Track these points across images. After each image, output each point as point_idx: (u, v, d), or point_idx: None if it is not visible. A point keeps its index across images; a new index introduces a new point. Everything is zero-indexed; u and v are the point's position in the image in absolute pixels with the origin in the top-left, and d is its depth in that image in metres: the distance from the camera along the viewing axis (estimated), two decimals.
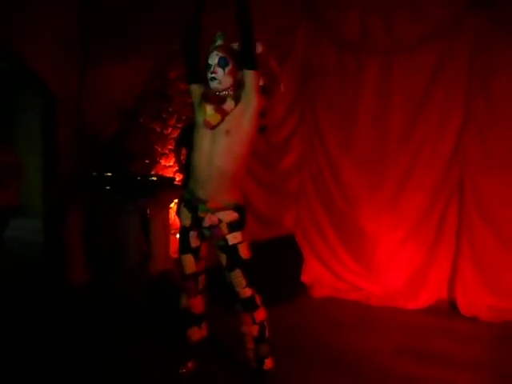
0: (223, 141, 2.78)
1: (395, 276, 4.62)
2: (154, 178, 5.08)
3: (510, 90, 4.24)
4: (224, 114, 2.77)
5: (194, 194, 2.92)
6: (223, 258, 2.92)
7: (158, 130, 5.78)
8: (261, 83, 2.90)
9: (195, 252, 3.00)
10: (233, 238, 2.86)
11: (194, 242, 2.99)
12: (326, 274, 4.88)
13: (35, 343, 3.63)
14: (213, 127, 2.79)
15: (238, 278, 2.89)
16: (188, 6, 4.89)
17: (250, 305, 2.93)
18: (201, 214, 2.90)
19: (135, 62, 5.35)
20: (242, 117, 2.77)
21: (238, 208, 2.89)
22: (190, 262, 3.00)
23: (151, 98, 5.70)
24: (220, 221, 2.86)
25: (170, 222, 5.33)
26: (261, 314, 2.96)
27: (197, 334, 3.14)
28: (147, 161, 5.82)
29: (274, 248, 4.46)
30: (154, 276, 4.81)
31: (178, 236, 5.25)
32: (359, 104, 4.66)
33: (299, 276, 4.81)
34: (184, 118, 5.65)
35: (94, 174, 5.04)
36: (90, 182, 4.94)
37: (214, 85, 2.79)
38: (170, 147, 5.78)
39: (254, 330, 2.96)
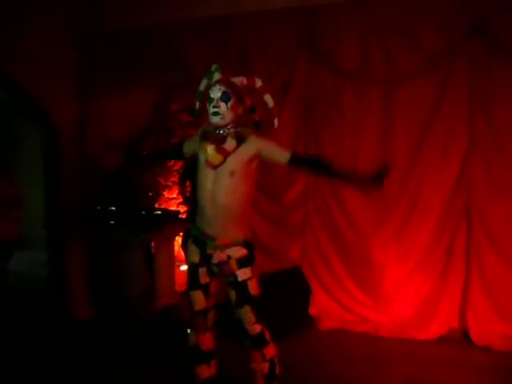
0: (227, 181, 2.77)
1: (404, 307, 4.55)
2: (159, 212, 5.05)
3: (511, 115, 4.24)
4: (226, 154, 2.76)
5: (202, 230, 2.90)
6: (232, 295, 2.89)
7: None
8: (256, 118, 2.92)
9: (205, 288, 2.97)
10: (242, 274, 2.84)
11: (204, 278, 2.96)
12: (334, 306, 4.81)
13: (36, 378, 3.58)
14: (215, 167, 2.78)
15: (247, 314, 2.86)
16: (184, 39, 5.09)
17: (259, 342, 2.89)
18: (209, 251, 2.88)
19: (137, 93, 5.39)
20: (249, 158, 2.77)
21: (246, 244, 2.87)
22: (199, 299, 2.97)
23: (153, 131, 5.73)
24: (229, 257, 2.84)
25: (175, 255, 5.29)
26: (271, 351, 2.92)
27: (206, 371, 3.08)
28: (150, 194, 5.81)
29: (280, 281, 4.41)
30: (159, 311, 4.74)
31: (182, 269, 5.30)
32: (362, 134, 4.67)
33: (307, 308, 4.74)
34: None
35: (98, 207, 5.02)
36: (93, 215, 4.92)
37: (215, 120, 2.78)
38: (173, 179, 5.78)
39: (264, 367, 2.92)
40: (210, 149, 2.79)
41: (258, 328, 2.88)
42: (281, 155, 2.79)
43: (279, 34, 4.80)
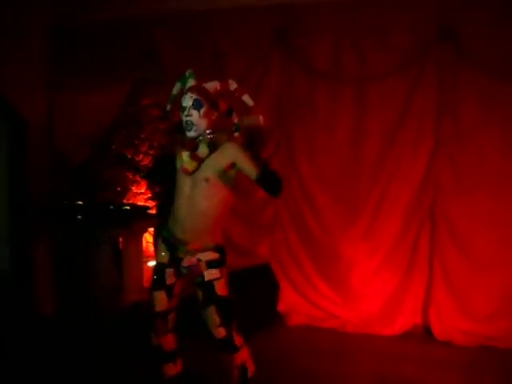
0: (203, 186, 2.77)
1: (371, 303, 4.64)
2: (127, 207, 5.00)
3: (477, 117, 4.37)
4: (199, 161, 2.76)
5: (174, 234, 2.87)
6: (199, 294, 2.86)
7: (130, 156, 5.73)
8: (235, 120, 2.90)
9: (169, 289, 2.92)
10: (209, 274, 2.81)
11: (170, 279, 2.92)
12: (302, 302, 4.86)
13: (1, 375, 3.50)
14: (190, 173, 2.78)
15: (212, 315, 2.80)
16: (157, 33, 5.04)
17: (226, 347, 2.83)
18: (180, 255, 2.86)
19: (108, 87, 5.30)
20: (224, 167, 2.76)
21: (218, 248, 2.85)
22: (162, 299, 2.91)
23: (124, 125, 5.66)
24: (199, 260, 2.82)
25: (143, 250, 5.25)
26: (241, 356, 2.85)
27: (172, 369, 3.04)
28: (119, 188, 5.74)
29: (249, 277, 4.43)
30: (127, 307, 4.70)
31: (150, 264, 5.26)
32: (333, 133, 4.73)
33: (275, 305, 4.79)
34: (156, 144, 5.62)
35: (65, 202, 4.95)
36: (60, 210, 4.84)
37: (189, 134, 2.77)
38: (141, 174, 5.72)
39: (235, 372, 2.86)
40: (185, 155, 2.78)
41: (222, 332, 2.79)
42: (250, 172, 2.77)
43: (253, 32, 4.81)
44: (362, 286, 4.67)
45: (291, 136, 4.87)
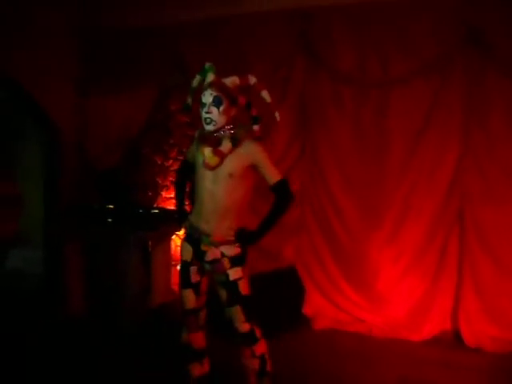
0: (226, 182, 2.81)
1: (397, 307, 4.59)
2: (156, 211, 5.09)
3: (507, 123, 4.28)
4: (223, 156, 2.80)
5: (197, 227, 2.93)
6: (223, 294, 2.92)
7: (159, 162, 5.82)
8: (253, 113, 2.95)
9: (195, 287, 2.99)
10: (234, 274, 2.87)
11: (194, 277, 2.99)
12: (328, 306, 4.84)
13: (33, 376, 3.60)
14: (212, 168, 2.82)
15: (237, 313, 2.89)
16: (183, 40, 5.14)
17: (249, 339, 2.92)
18: (204, 248, 2.91)
19: (136, 93, 5.42)
20: (246, 165, 2.81)
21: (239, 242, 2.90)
22: (190, 298, 3.00)
23: (153, 130, 5.77)
24: (223, 254, 2.87)
25: (171, 253, 5.33)
26: (261, 348, 2.95)
27: (198, 369, 3.11)
28: (150, 193, 5.84)
29: (275, 280, 4.45)
30: (155, 309, 4.78)
31: (178, 268, 5.33)
32: (358, 137, 4.71)
33: (300, 308, 4.78)
34: (184, 150, 5.70)
35: (96, 206, 5.06)
36: (91, 213, 4.95)
37: (208, 128, 2.82)
38: (170, 179, 5.81)
39: (255, 363, 2.95)
40: (207, 151, 2.83)
41: (247, 326, 2.89)
42: (269, 177, 2.85)
43: (276, 37, 4.83)
44: (388, 291, 4.62)
45: (316, 140, 4.87)
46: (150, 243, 5.03)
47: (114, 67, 5.44)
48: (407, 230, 4.58)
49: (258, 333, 2.94)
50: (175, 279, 5.24)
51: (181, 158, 5.72)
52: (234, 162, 2.81)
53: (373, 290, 4.69)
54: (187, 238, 3.02)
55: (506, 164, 4.30)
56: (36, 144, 5.58)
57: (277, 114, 2.94)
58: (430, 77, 4.43)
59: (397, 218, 4.61)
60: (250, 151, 2.83)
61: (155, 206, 5.72)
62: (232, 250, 2.88)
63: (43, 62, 5.04)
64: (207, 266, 2.95)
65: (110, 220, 4.79)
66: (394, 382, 3.59)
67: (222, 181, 2.82)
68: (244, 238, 2.89)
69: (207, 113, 2.79)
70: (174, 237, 5.37)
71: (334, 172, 4.82)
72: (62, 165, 5.42)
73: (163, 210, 5.26)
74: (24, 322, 4.64)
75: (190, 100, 3.01)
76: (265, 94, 2.89)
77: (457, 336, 4.43)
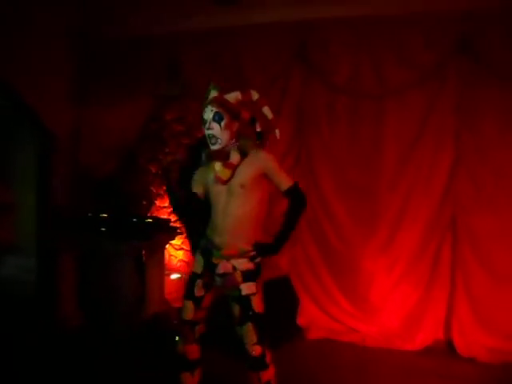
0: (239, 193, 2.80)
1: (391, 317, 4.61)
2: (150, 220, 5.08)
3: (497, 130, 4.35)
4: (233, 168, 2.80)
5: (211, 240, 2.91)
6: (236, 310, 2.85)
7: (154, 171, 5.83)
8: (258, 129, 2.96)
9: (197, 301, 2.96)
10: (246, 288, 2.81)
11: (199, 291, 2.95)
12: (322, 316, 4.85)
13: (26, 381, 3.59)
14: (225, 182, 2.82)
15: (248, 332, 2.80)
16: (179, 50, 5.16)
17: (258, 364, 2.83)
18: (215, 261, 2.88)
19: (132, 103, 5.42)
20: (257, 174, 2.81)
21: (253, 258, 2.86)
22: (189, 309, 2.96)
23: (148, 140, 5.77)
24: (234, 268, 2.83)
25: (165, 263, 5.32)
26: (268, 374, 2.86)
27: (189, 380, 3.08)
28: (144, 202, 5.84)
29: (268, 290, 4.41)
30: (149, 318, 4.76)
31: (172, 277, 5.32)
32: (352, 146, 4.75)
33: (295, 318, 4.78)
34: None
35: (89, 214, 5.05)
36: (84, 222, 4.94)
37: (214, 147, 2.81)
38: (164, 188, 5.81)
39: None
40: (218, 166, 2.83)
41: (258, 350, 2.80)
42: (281, 183, 2.85)
43: (273, 48, 4.88)
44: (381, 300, 4.64)
45: (311, 149, 4.91)
46: (143, 252, 5.02)
47: (111, 76, 5.45)
48: (401, 239, 4.61)
49: (268, 358, 2.85)
50: (169, 289, 5.25)
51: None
52: (244, 172, 2.81)
53: (366, 300, 4.70)
54: (202, 251, 2.99)
55: (498, 170, 4.36)
56: (30, 151, 5.55)
57: (277, 131, 2.95)
58: (423, 86, 4.50)
59: (391, 226, 4.64)
60: (260, 159, 2.83)
61: (149, 215, 5.71)
62: (244, 265, 2.83)
63: (40, 70, 5.03)
64: (218, 280, 2.89)
65: (103, 229, 4.78)
66: None
67: (235, 193, 2.81)
68: (264, 249, 2.85)
69: (209, 129, 2.80)
70: (167, 246, 5.37)
71: (328, 181, 4.85)
72: (56, 172, 5.39)
73: (157, 219, 5.25)
74: (17, 328, 4.61)
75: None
76: (266, 110, 2.90)
77: (450, 345, 4.44)
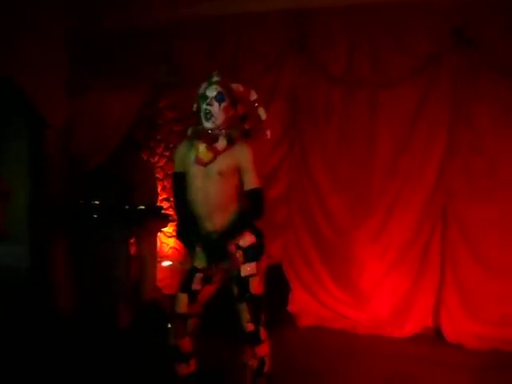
0: (216, 180, 2.82)
1: (381, 304, 4.66)
2: (142, 207, 5.08)
3: (491, 122, 4.38)
4: (216, 153, 2.81)
5: (204, 228, 2.90)
6: (234, 289, 2.91)
7: (146, 158, 5.80)
8: (247, 126, 2.97)
9: (193, 294, 2.95)
10: (246, 270, 2.85)
11: (196, 284, 2.94)
12: (313, 303, 4.90)
13: (20, 371, 3.57)
14: (205, 164, 2.82)
15: (243, 311, 2.87)
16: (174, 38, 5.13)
17: (251, 339, 2.91)
18: (213, 239, 2.85)
19: (126, 91, 5.39)
20: (236, 164, 2.82)
21: (254, 229, 2.89)
22: (183, 302, 2.94)
23: (140, 126, 5.74)
24: (237, 247, 2.85)
25: (157, 250, 5.33)
26: (263, 350, 2.93)
27: (184, 369, 3.09)
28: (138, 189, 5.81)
29: None
30: (142, 305, 4.78)
31: (163, 264, 5.33)
32: (346, 136, 4.77)
33: (285, 305, 4.82)
34: (171, 146, 5.69)
35: (81, 201, 5.04)
36: (77, 209, 4.93)
37: (207, 125, 2.83)
38: (156, 175, 5.79)
39: (254, 363, 2.94)
40: (202, 147, 2.83)
41: (251, 327, 2.87)
42: (248, 182, 2.84)
43: (269, 36, 4.89)
44: (372, 288, 4.69)
45: (305, 139, 4.93)
46: (136, 239, 5.02)
47: (106, 65, 5.41)
48: (393, 228, 4.65)
49: (262, 335, 2.92)
50: (160, 275, 5.27)
51: (166, 153, 5.72)
52: (225, 161, 2.82)
53: (357, 287, 4.75)
54: (202, 246, 2.93)
55: (491, 162, 4.39)
56: (23, 139, 5.52)
57: (268, 132, 2.98)
58: (419, 76, 4.51)
59: (383, 215, 4.68)
60: (241, 151, 2.85)
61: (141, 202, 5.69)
62: (247, 239, 2.86)
63: (34, 58, 4.97)
64: (225, 264, 2.87)
65: (95, 216, 4.77)
66: (378, 379, 3.62)
67: (213, 178, 2.82)
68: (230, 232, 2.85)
69: (208, 105, 2.82)
70: (159, 233, 5.38)
71: (321, 170, 4.87)
72: (49, 161, 5.37)
73: (149, 206, 5.25)
74: (11, 316, 4.62)
75: (195, 106, 3.00)
76: (261, 112, 2.94)
77: (438, 333, 4.51)
